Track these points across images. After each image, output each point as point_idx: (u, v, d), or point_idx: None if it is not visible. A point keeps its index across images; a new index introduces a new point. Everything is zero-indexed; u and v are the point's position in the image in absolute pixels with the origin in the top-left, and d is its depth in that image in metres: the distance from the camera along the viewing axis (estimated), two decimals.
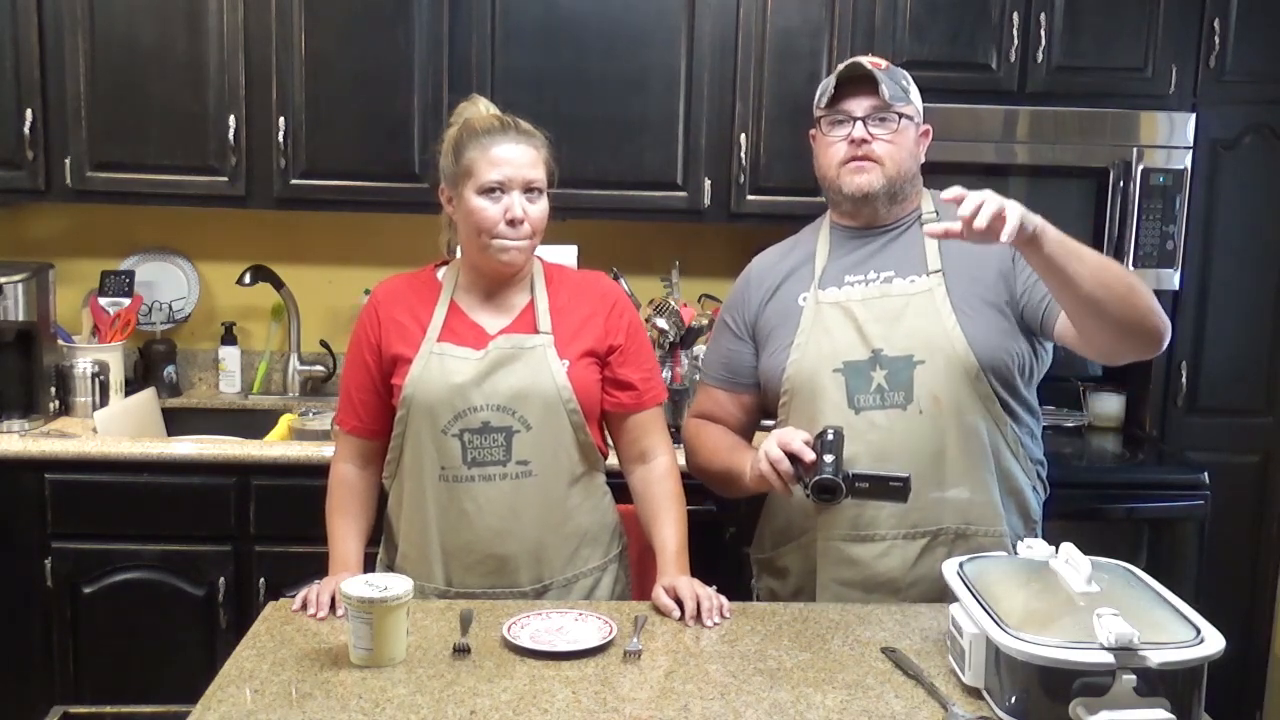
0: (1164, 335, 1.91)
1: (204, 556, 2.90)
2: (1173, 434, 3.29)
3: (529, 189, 1.98)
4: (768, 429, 2.19)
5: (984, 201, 1.70)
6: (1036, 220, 1.76)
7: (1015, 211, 1.70)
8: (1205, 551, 3.03)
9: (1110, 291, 1.82)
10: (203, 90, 3.10)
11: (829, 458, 1.85)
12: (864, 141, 2.04)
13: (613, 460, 2.16)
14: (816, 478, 1.84)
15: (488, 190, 1.97)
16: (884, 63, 2.10)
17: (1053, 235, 1.78)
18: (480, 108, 2.07)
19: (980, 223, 1.69)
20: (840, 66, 2.09)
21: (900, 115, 2.06)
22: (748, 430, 2.24)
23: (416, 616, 1.87)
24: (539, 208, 2.00)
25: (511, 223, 1.97)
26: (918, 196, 2.15)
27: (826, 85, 2.10)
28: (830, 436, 1.89)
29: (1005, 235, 1.69)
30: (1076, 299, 1.84)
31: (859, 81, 2.05)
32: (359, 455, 2.12)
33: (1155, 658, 1.47)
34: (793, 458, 1.89)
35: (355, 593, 1.70)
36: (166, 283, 3.54)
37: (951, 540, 2.04)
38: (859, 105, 2.05)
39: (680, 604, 1.92)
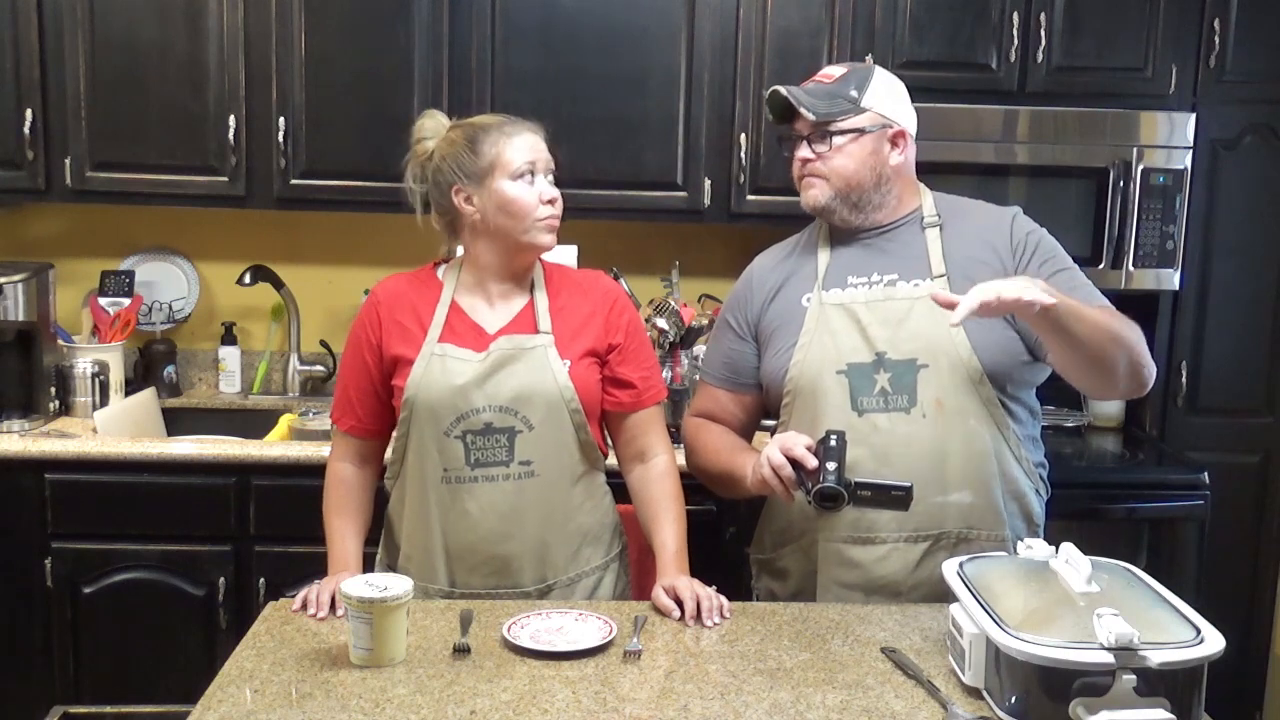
0: (1147, 386, 2.01)
1: (204, 556, 2.90)
2: (1173, 434, 3.29)
3: (549, 172, 2.04)
4: (768, 429, 2.20)
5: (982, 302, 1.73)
6: (1040, 295, 1.76)
7: (1013, 289, 1.74)
8: (1205, 551, 3.03)
9: (1102, 351, 1.88)
10: (203, 90, 3.10)
11: (831, 464, 1.85)
12: (806, 160, 2.08)
13: (612, 460, 2.16)
14: (819, 485, 1.83)
15: (521, 174, 2.00)
16: (839, 72, 2.10)
17: (1064, 307, 1.80)
18: (439, 119, 2.09)
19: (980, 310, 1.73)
20: (766, 96, 2.12)
21: (834, 133, 2.05)
22: (748, 430, 2.24)
23: (416, 616, 1.87)
24: (559, 191, 2.05)
25: (549, 202, 2.01)
26: (910, 198, 2.14)
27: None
28: (833, 442, 1.88)
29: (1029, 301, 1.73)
30: (1066, 355, 1.90)
31: (783, 103, 2.08)
32: (356, 454, 2.12)
33: (1155, 658, 1.47)
34: (795, 463, 1.89)
35: (355, 593, 1.70)
36: (166, 283, 3.54)
37: (954, 544, 2.03)
38: (800, 124, 2.08)
39: (680, 604, 1.92)
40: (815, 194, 2.09)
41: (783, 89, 2.07)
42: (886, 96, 2.09)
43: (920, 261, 2.08)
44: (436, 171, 2.04)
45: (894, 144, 2.08)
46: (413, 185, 2.09)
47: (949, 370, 2.02)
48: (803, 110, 2.05)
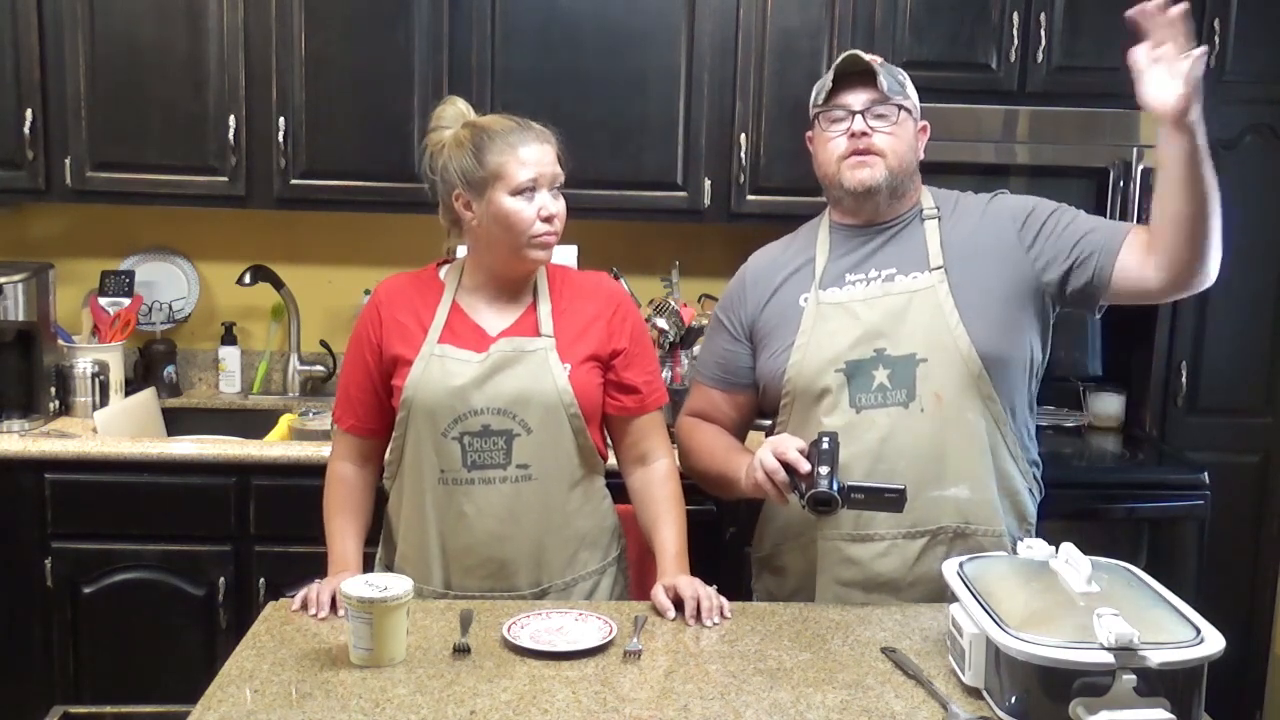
0: (1214, 274, 1.96)
1: (204, 556, 2.91)
2: (1173, 434, 3.29)
3: (554, 186, 2.00)
4: (763, 428, 2.20)
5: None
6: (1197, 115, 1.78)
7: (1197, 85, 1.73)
8: (1205, 551, 3.02)
9: (1210, 205, 1.86)
10: (203, 90, 3.10)
11: (824, 469, 1.84)
12: (864, 134, 2.04)
13: (612, 461, 2.16)
14: (812, 491, 1.83)
15: (521, 190, 1.97)
16: (879, 58, 2.10)
17: (1202, 135, 1.81)
18: (460, 107, 2.07)
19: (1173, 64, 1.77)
20: (838, 60, 2.08)
21: (899, 107, 2.06)
22: (742, 430, 2.24)
23: (416, 616, 1.87)
24: (562, 205, 2.02)
25: (547, 220, 1.98)
26: (917, 193, 2.15)
27: (824, 81, 2.10)
28: (825, 445, 1.88)
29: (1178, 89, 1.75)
30: (1184, 196, 1.85)
31: (857, 74, 2.05)
32: (357, 454, 2.11)
33: (1155, 658, 1.47)
34: (788, 467, 1.88)
35: (355, 593, 1.70)
36: (166, 283, 3.54)
37: (951, 539, 2.03)
38: (857, 99, 2.05)
39: (680, 604, 1.92)
40: (872, 173, 2.05)
41: (862, 54, 2.05)
42: (912, 89, 2.12)
43: (919, 254, 2.08)
44: (443, 170, 2.03)
45: (918, 136, 2.12)
46: (429, 173, 2.08)
47: (948, 364, 2.02)
48: (880, 79, 2.03)
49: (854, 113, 2.05)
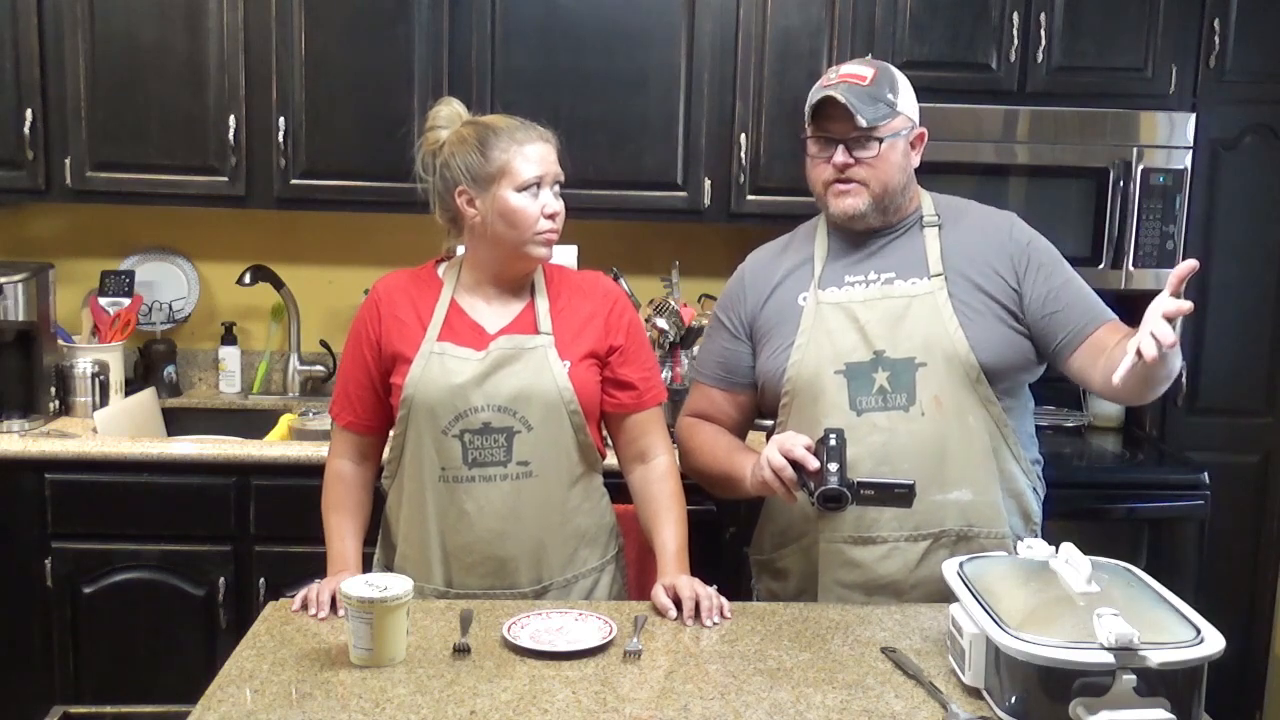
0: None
1: (204, 556, 2.90)
2: (1173, 434, 3.29)
3: (555, 185, 2.03)
4: (764, 428, 2.20)
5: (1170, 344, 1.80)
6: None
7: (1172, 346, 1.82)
8: (1205, 551, 3.03)
9: (1166, 375, 1.97)
10: (203, 90, 3.10)
11: (833, 465, 1.84)
12: (846, 165, 2.03)
13: (611, 460, 2.16)
14: (822, 487, 1.83)
15: (527, 187, 1.98)
16: (868, 73, 2.03)
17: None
18: (456, 108, 2.09)
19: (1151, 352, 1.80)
20: (814, 94, 2.04)
21: (882, 139, 2.01)
22: (742, 429, 2.24)
23: (416, 616, 1.87)
24: (562, 204, 2.04)
25: (550, 217, 2.00)
26: (914, 200, 2.14)
27: (810, 100, 2.05)
28: (833, 442, 1.87)
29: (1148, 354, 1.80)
30: (1141, 379, 1.91)
31: (835, 107, 2.01)
32: (355, 451, 2.12)
33: (1155, 658, 1.47)
34: (795, 464, 1.88)
35: (355, 593, 1.70)
36: (166, 283, 3.54)
37: (954, 542, 2.03)
38: (840, 128, 2.02)
39: (679, 603, 1.92)
40: (854, 202, 2.04)
41: (838, 95, 1.99)
42: (909, 97, 2.08)
43: (918, 260, 2.08)
44: (444, 167, 2.04)
45: (913, 146, 2.09)
46: (422, 174, 2.09)
47: (947, 368, 2.02)
48: (859, 118, 1.98)
49: (837, 142, 2.03)
